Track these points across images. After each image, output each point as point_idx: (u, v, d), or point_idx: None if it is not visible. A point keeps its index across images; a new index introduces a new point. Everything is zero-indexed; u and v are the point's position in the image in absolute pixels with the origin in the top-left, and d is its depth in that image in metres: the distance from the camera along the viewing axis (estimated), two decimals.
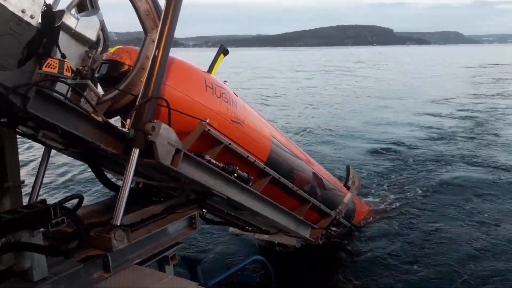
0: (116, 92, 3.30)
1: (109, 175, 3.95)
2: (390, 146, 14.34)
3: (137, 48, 3.52)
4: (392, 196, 9.37)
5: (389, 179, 10.70)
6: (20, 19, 2.53)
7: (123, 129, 3.14)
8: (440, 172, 11.12)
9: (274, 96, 29.00)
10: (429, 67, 57.67)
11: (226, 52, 4.93)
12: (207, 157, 3.74)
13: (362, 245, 7.08)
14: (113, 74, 3.43)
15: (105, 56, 3.37)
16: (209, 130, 3.66)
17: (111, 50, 3.50)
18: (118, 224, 2.98)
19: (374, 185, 10.25)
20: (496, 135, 15.40)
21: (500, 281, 5.85)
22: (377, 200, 9.19)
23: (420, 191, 9.62)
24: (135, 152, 3.06)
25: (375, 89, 32.31)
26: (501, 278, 5.90)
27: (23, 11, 2.55)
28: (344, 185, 7.19)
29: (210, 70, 4.65)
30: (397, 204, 8.87)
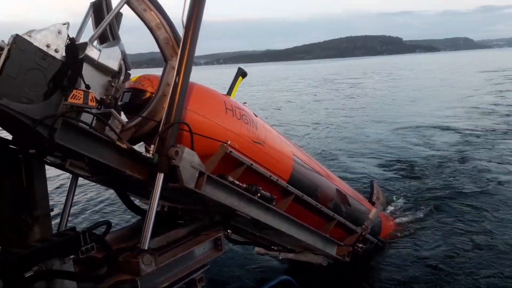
0: (139, 119, 3.38)
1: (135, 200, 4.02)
2: (416, 158, 14.17)
3: (158, 75, 3.61)
4: (419, 210, 9.21)
5: (415, 192, 10.54)
6: (45, 54, 2.64)
7: (147, 155, 3.21)
8: (473, 185, 10.86)
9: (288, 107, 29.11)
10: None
11: (244, 75, 5.09)
12: (230, 178, 3.78)
13: (390, 261, 6.95)
14: (136, 101, 3.52)
15: (127, 84, 3.47)
16: (230, 151, 3.71)
17: (133, 78, 3.60)
18: (146, 248, 3.02)
19: (400, 198, 10.11)
20: None
21: None
22: (403, 214, 9.05)
23: (452, 204, 9.41)
24: (160, 177, 3.13)
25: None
26: None
27: (47, 46, 2.66)
28: (368, 201, 7.14)
29: (229, 92, 4.75)
30: (426, 218, 8.70)
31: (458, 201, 9.43)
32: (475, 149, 14.45)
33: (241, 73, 5.19)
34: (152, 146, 3.20)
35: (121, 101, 3.38)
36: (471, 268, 6.46)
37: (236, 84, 5.07)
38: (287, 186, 4.63)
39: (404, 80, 52.58)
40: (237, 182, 3.83)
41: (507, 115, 20.96)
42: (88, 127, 2.81)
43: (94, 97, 2.78)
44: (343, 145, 16.98)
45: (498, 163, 12.42)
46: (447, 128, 18.90)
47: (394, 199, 9.96)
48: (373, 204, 7.10)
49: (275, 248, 5.58)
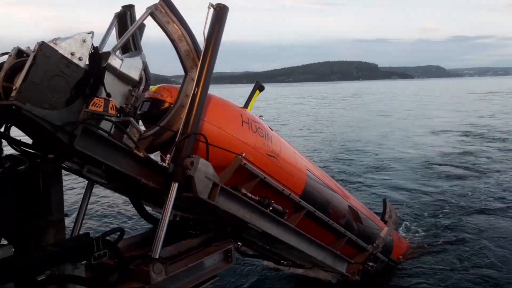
0: (157, 128, 3.43)
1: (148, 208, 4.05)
2: (430, 177, 14.06)
3: (177, 87, 3.67)
4: (432, 231, 9.10)
5: (430, 213, 10.42)
6: (69, 61, 2.70)
7: (163, 164, 3.25)
8: (487, 207, 10.74)
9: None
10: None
11: (261, 88, 5.22)
12: (243, 190, 3.80)
13: (401, 281, 6.87)
14: (154, 111, 3.57)
15: (146, 94, 3.53)
16: (245, 164, 3.73)
17: (152, 88, 3.66)
18: (157, 257, 3.05)
19: (413, 219, 10.00)
20: None
21: None
22: (416, 234, 8.94)
23: (465, 226, 9.29)
24: (175, 186, 3.16)
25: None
26: None
27: (72, 54, 2.73)
28: (381, 219, 7.08)
29: (246, 105, 4.78)
30: (439, 239, 8.59)
31: (476, 228, 9.28)
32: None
33: (259, 87, 5.28)
34: (168, 155, 3.24)
35: (140, 110, 3.42)
36: None
37: (254, 97, 5.13)
38: (300, 201, 4.63)
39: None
40: (250, 195, 3.84)
41: None
42: (107, 135, 2.86)
43: (114, 105, 2.83)
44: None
45: None
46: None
47: (410, 219, 9.88)
48: (385, 222, 7.03)
49: (285, 263, 5.55)
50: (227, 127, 3.80)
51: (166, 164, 3.21)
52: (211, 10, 3.46)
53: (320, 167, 6.20)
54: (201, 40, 3.48)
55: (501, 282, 6.61)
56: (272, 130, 4.55)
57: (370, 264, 6.20)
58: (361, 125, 30.55)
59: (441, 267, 7.22)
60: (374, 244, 6.17)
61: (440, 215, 10.02)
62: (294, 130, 28.26)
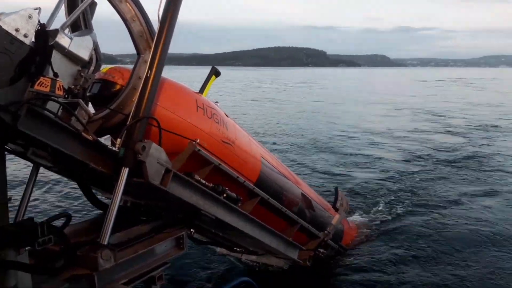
0: (107, 111, 3.32)
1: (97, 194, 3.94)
2: (379, 162, 14.52)
3: (130, 68, 3.56)
4: (382, 217, 9.40)
5: (380, 198, 10.75)
6: (13, 38, 2.55)
7: (113, 148, 3.15)
8: (435, 191, 11.30)
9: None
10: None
11: (217, 74, 5.13)
12: (197, 177, 3.76)
13: (350, 267, 7.05)
14: (105, 93, 3.45)
15: (97, 75, 3.40)
16: (199, 150, 3.68)
17: (103, 69, 3.53)
18: (105, 243, 2.96)
19: (364, 205, 10.29)
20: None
21: None
22: (366, 220, 9.20)
23: (413, 210, 9.68)
24: (125, 171, 3.07)
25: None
26: None
27: (17, 30, 2.57)
28: (332, 207, 7.22)
29: (201, 90, 4.71)
30: (388, 224, 8.89)
31: (422, 212, 9.72)
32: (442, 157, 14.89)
33: (214, 72, 5.18)
34: (119, 139, 3.14)
35: (90, 91, 3.30)
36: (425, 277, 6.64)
37: (209, 83, 5.06)
38: (254, 188, 4.64)
39: None
40: (204, 181, 3.80)
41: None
42: (53, 116, 2.73)
43: (62, 85, 2.71)
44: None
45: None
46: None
47: (361, 205, 10.16)
48: (336, 210, 7.18)
49: (238, 249, 5.57)
50: (182, 112, 3.71)
51: (117, 148, 3.11)
52: None
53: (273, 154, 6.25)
54: (155, 21, 3.37)
55: (443, 267, 6.96)
56: (227, 116, 4.51)
57: (321, 250, 6.34)
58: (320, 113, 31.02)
59: (389, 254, 7.47)
60: (325, 231, 6.30)
61: (393, 203, 10.37)
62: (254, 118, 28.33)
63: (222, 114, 4.34)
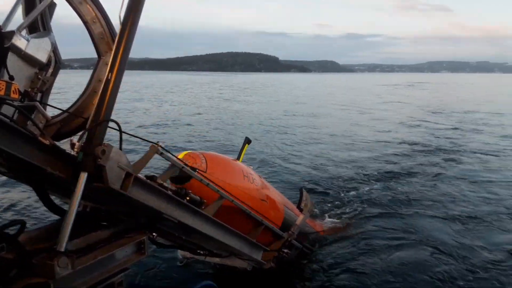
0: (65, 114, 3.24)
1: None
2: (342, 162, 14.76)
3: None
4: (347, 216, 9.55)
5: (342, 199, 10.91)
6: None
7: (72, 152, 3.07)
8: (397, 188, 11.65)
9: None
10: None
11: (249, 142, 7.07)
12: (159, 180, 3.71)
13: (314, 267, 7.15)
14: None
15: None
16: (162, 153, 3.64)
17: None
18: (62, 250, 2.88)
19: (329, 205, 10.43)
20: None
21: None
22: (330, 220, 9.33)
23: (377, 210, 9.90)
24: (84, 176, 2.99)
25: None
26: None
27: None
28: (297, 207, 7.28)
29: (238, 157, 6.52)
30: (353, 225, 9.04)
31: (388, 213, 9.96)
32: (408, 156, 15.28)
33: (247, 141, 7.07)
34: (77, 143, 3.06)
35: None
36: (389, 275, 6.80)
37: (243, 150, 6.85)
38: (218, 191, 4.62)
39: None
40: (166, 185, 3.77)
41: None
42: (8, 120, 2.64)
43: (18, 89, 2.62)
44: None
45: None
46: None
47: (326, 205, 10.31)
48: (301, 210, 7.25)
49: (201, 252, 5.54)
50: (235, 181, 5.14)
51: (75, 152, 3.03)
52: None
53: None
54: (116, 23, 3.31)
55: (410, 265, 7.16)
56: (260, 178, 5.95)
57: (285, 251, 6.38)
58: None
59: (354, 254, 7.60)
60: (290, 232, 6.35)
61: (358, 203, 10.57)
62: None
63: (258, 178, 5.69)
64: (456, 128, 25.25)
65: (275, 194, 6.31)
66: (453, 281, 6.65)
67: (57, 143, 3.07)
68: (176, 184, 4.45)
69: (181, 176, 4.35)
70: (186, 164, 4.08)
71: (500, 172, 14.30)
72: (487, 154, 17.37)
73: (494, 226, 9.22)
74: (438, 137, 21.65)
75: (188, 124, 25.46)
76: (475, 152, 17.67)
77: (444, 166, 14.93)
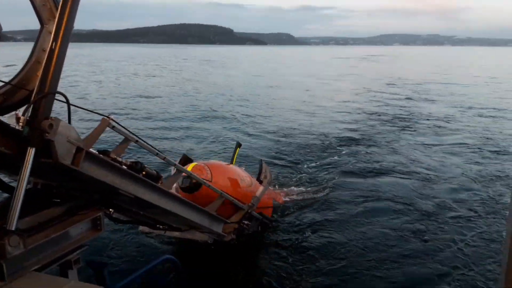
0: (8, 87, 3.05)
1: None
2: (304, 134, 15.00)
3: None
4: (306, 188, 9.67)
5: (303, 170, 11.04)
6: None
7: (17, 127, 2.90)
8: (358, 154, 12.19)
9: None
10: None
11: (240, 146, 8.04)
12: (113, 155, 3.59)
13: (273, 238, 7.22)
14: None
15: None
16: (114, 126, 3.52)
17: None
18: (13, 229, 2.75)
19: (288, 177, 10.52)
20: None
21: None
22: (290, 191, 9.42)
23: (336, 182, 10.07)
24: (31, 152, 2.84)
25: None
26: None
27: None
28: (256, 179, 7.31)
29: (231, 161, 7.46)
30: (313, 195, 9.16)
31: (350, 178, 10.35)
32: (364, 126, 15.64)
33: (238, 145, 8.03)
34: (22, 117, 2.90)
35: None
36: (352, 251, 6.97)
37: (235, 154, 7.79)
38: (175, 164, 4.55)
39: None
40: (120, 159, 3.65)
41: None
42: None
43: None
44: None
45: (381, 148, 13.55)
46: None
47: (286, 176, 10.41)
48: (260, 182, 7.28)
49: (161, 226, 5.47)
50: (232, 183, 6.24)
51: (21, 127, 2.87)
52: None
53: None
54: None
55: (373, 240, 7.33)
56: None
57: (246, 222, 6.41)
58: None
59: (316, 225, 7.72)
60: (249, 203, 6.37)
61: (321, 170, 10.76)
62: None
63: (248, 179, 6.70)
64: (409, 98, 26.13)
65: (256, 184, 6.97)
66: (417, 232, 7.29)
67: (0, 117, 2.91)
68: (187, 193, 5.40)
69: (191, 185, 5.45)
70: (138, 139, 3.95)
71: (451, 136, 15.55)
72: (438, 120, 18.61)
73: (449, 182, 10.13)
74: (394, 107, 22.45)
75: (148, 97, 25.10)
76: (428, 119, 18.59)
77: (400, 133, 15.81)
